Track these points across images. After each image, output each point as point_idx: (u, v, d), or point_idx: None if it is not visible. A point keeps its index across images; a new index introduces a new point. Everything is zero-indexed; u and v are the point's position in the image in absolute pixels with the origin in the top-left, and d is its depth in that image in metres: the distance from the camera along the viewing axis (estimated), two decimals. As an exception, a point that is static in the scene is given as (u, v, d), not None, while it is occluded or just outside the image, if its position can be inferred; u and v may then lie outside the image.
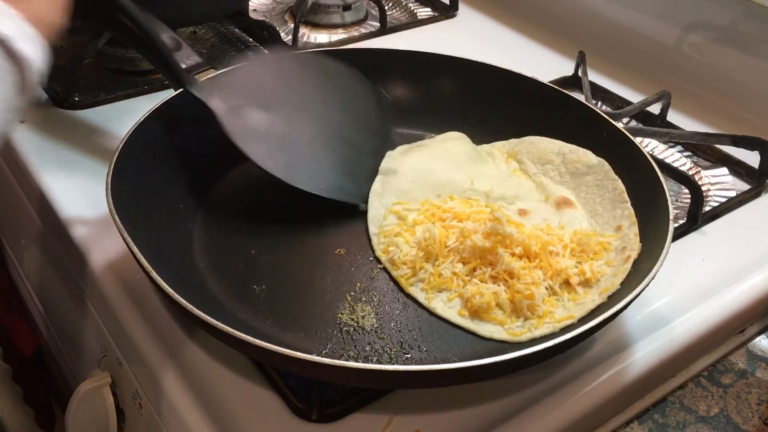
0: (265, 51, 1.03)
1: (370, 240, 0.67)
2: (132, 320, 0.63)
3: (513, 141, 0.78)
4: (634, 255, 0.61)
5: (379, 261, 0.65)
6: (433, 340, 0.59)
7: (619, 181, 0.69)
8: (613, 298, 0.58)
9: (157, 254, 0.56)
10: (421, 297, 0.61)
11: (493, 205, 0.68)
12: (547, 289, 0.61)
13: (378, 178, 0.73)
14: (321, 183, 0.70)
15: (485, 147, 0.79)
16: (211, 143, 0.73)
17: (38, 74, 0.52)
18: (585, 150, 0.73)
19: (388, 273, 0.64)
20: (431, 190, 0.71)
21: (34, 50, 0.50)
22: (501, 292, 0.60)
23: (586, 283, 0.61)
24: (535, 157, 0.76)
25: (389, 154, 0.75)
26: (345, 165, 0.74)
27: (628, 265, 0.60)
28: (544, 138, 0.76)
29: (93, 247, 0.69)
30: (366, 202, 0.71)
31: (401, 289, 0.63)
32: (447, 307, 0.61)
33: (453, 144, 0.78)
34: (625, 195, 0.68)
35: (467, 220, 0.66)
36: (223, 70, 0.74)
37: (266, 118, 0.72)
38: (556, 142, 0.75)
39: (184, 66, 0.72)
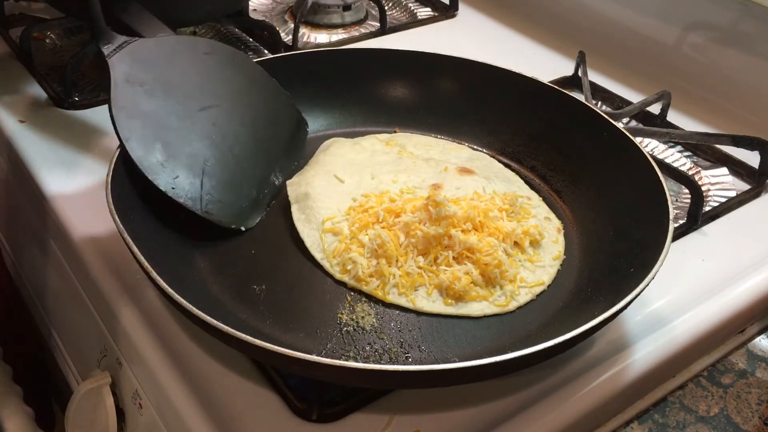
0: (265, 51, 1.03)
1: (323, 268, 0.65)
2: (132, 320, 0.63)
3: (386, 135, 0.81)
4: (561, 227, 0.70)
5: (344, 284, 0.63)
6: (433, 339, 0.59)
7: (507, 170, 0.77)
8: (569, 271, 0.66)
9: (157, 254, 0.56)
10: (403, 301, 0.61)
11: (432, 191, 0.67)
12: (503, 252, 0.64)
13: (294, 207, 0.69)
14: (184, 187, 0.65)
15: (363, 138, 0.79)
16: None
17: None
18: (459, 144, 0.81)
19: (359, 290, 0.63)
20: (347, 198, 0.70)
21: None
22: (472, 270, 0.62)
23: (533, 243, 0.67)
24: (416, 143, 0.80)
25: (290, 182, 0.72)
26: (222, 178, 0.68)
27: (561, 236, 0.69)
28: (414, 133, 0.82)
29: (93, 247, 0.69)
30: (241, 225, 0.68)
31: (380, 301, 0.62)
32: (431, 302, 0.61)
33: (336, 148, 0.77)
34: (517, 177, 0.76)
35: (403, 213, 0.66)
36: (150, 38, 0.71)
37: (163, 103, 0.67)
38: (426, 136, 0.82)
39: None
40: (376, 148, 0.78)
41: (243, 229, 0.68)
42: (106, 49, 0.67)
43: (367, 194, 0.70)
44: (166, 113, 0.67)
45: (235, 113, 0.72)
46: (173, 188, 0.64)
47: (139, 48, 0.69)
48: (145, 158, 0.64)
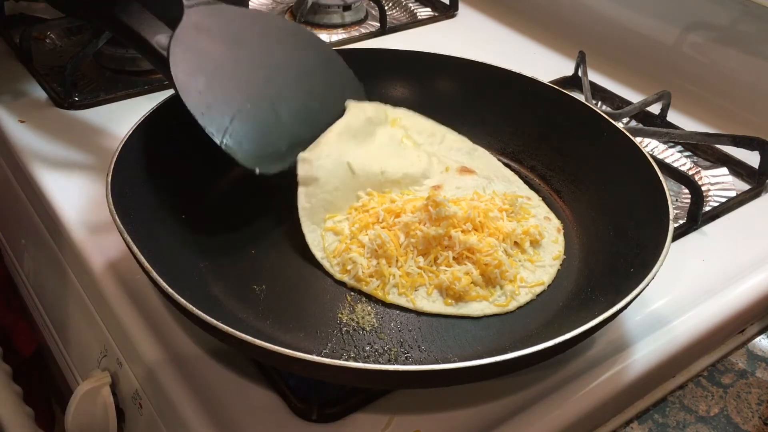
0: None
1: (323, 268, 0.65)
2: (132, 320, 0.63)
3: (389, 108, 0.80)
4: (561, 227, 0.70)
5: (344, 284, 0.63)
6: (432, 339, 0.59)
7: (507, 170, 0.77)
8: (570, 271, 0.66)
9: (157, 254, 0.56)
10: (402, 301, 0.61)
11: (432, 192, 0.67)
12: (503, 252, 0.64)
13: (301, 191, 0.68)
14: (212, 117, 0.68)
15: (376, 107, 0.78)
16: (211, 142, 0.73)
17: None
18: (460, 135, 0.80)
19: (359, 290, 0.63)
20: (352, 191, 0.70)
21: None
22: (472, 270, 0.62)
23: (533, 243, 0.67)
24: (420, 129, 0.79)
25: (303, 157, 0.70)
26: (254, 123, 0.71)
27: (561, 236, 0.69)
28: (417, 114, 0.81)
29: (93, 247, 0.69)
30: (255, 167, 0.68)
31: (380, 301, 0.62)
32: (431, 302, 0.61)
33: (352, 116, 0.76)
34: (516, 177, 0.76)
35: (403, 213, 0.66)
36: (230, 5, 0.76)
37: (222, 51, 0.72)
38: (429, 120, 0.80)
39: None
40: (383, 139, 0.77)
41: (257, 171, 0.69)
42: (187, 2, 0.72)
43: (371, 192, 0.70)
44: (222, 58, 0.72)
45: (293, 81, 0.76)
46: (202, 114, 0.67)
47: (216, 7, 0.74)
48: (184, 82, 0.67)
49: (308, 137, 0.74)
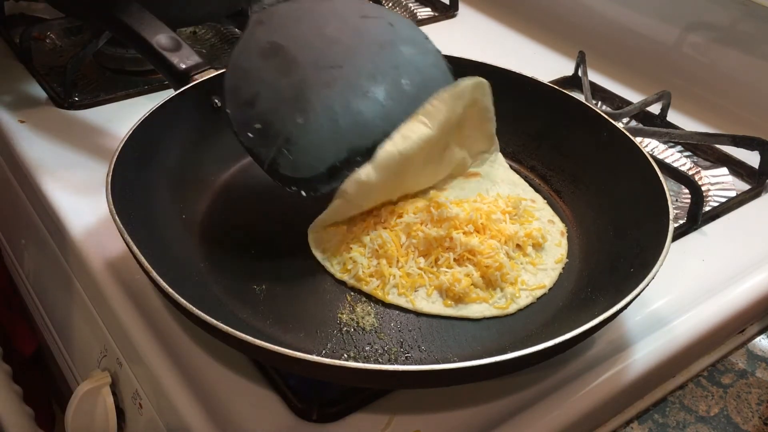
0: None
1: (323, 268, 0.64)
2: (132, 320, 0.63)
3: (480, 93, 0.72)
4: (565, 231, 0.70)
5: (344, 283, 0.63)
6: (432, 339, 0.59)
7: (512, 173, 0.77)
8: (570, 273, 0.66)
9: (157, 254, 0.56)
10: (402, 302, 0.61)
11: (435, 193, 0.67)
12: (504, 255, 0.64)
13: (335, 203, 0.65)
14: (259, 137, 0.63)
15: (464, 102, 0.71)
16: (211, 143, 0.73)
17: None
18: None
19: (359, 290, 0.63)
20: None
21: None
22: (472, 272, 0.62)
23: (536, 246, 0.67)
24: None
25: (360, 181, 0.63)
26: (308, 140, 0.64)
27: (564, 239, 0.69)
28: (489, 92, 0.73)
29: (93, 247, 0.69)
30: (303, 190, 0.64)
31: (380, 301, 0.62)
32: (430, 303, 0.61)
33: (441, 129, 0.68)
34: (522, 180, 0.76)
35: (405, 214, 0.66)
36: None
37: (283, 60, 0.66)
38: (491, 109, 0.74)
39: (183, 66, 0.73)
40: (447, 157, 0.73)
41: (303, 194, 0.64)
42: (257, 7, 0.69)
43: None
44: (282, 68, 0.66)
45: (366, 74, 0.68)
46: (249, 135, 0.63)
47: (283, 8, 0.70)
48: (235, 102, 0.64)
49: (374, 148, 0.66)
